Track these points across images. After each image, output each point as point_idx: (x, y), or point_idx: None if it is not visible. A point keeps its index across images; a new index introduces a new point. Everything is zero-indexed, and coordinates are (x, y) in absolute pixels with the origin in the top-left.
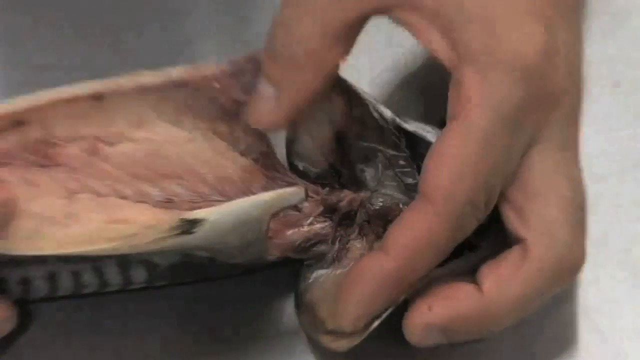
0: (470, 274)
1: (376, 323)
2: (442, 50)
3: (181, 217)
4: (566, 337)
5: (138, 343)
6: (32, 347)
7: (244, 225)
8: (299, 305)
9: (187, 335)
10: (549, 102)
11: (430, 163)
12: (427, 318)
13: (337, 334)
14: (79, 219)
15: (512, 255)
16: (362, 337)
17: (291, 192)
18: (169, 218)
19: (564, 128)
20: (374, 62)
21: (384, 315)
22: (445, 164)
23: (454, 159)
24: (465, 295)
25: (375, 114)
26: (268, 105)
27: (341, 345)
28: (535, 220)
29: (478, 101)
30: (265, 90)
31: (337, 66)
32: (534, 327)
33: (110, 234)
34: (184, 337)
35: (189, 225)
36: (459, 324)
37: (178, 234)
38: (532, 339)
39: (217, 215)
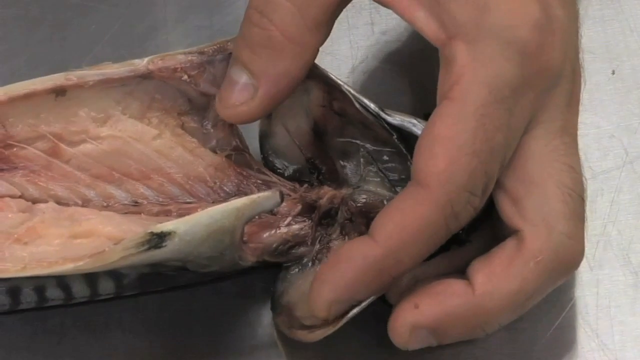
0: (460, 272)
1: (352, 313)
2: (428, 27)
3: (148, 231)
4: (564, 342)
5: (105, 356)
6: None
7: (216, 234)
8: (276, 308)
9: (156, 349)
10: (546, 83)
11: (423, 147)
12: (414, 317)
13: (312, 327)
14: (41, 235)
15: (506, 248)
16: (336, 328)
17: (265, 197)
18: (135, 229)
19: (563, 112)
20: (355, 50)
21: (362, 306)
22: (440, 147)
23: (449, 141)
24: (455, 292)
25: (358, 107)
26: (242, 95)
27: (316, 335)
28: (531, 210)
29: (470, 78)
30: (239, 78)
31: (316, 52)
32: (531, 332)
33: (75, 251)
34: (152, 350)
35: (158, 240)
36: (449, 323)
37: (147, 249)
38: (530, 343)
39: (186, 226)
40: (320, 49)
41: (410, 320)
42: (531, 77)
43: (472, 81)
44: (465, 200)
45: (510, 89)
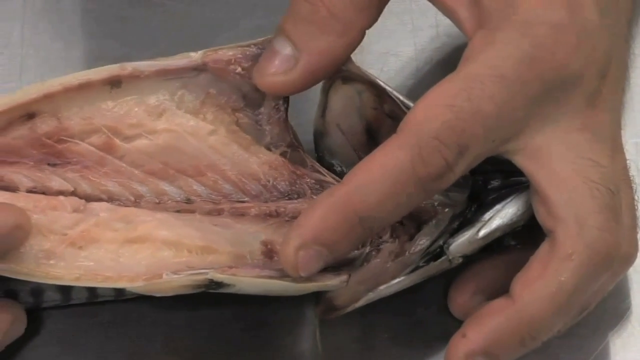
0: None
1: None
2: (466, 19)
3: (209, 277)
4: (624, 349)
5: (152, 351)
6: (37, 353)
7: (276, 293)
8: (319, 301)
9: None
10: (558, 80)
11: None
12: (464, 347)
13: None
14: (96, 239)
15: (540, 252)
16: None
17: (332, 285)
18: (190, 234)
19: (581, 111)
20: (420, 52)
21: (371, 297)
22: (421, 101)
23: (433, 95)
24: (495, 309)
25: (405, 110)
26: (282, 66)
27: (333, 315)
28: (561, 208)
29: (475, 56)
30: (281, 48)
31: (361, 34)
32: (590, 339)
33: (131, 259)
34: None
35: (215, 286)
36: (498, 341)
37: (202, 290)
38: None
39: (247, 285)
40: (385, 49)
41: (462, 350)
42: (540, 71)
43: (476, 58)
44: (435, 148)
45: (514, 73)
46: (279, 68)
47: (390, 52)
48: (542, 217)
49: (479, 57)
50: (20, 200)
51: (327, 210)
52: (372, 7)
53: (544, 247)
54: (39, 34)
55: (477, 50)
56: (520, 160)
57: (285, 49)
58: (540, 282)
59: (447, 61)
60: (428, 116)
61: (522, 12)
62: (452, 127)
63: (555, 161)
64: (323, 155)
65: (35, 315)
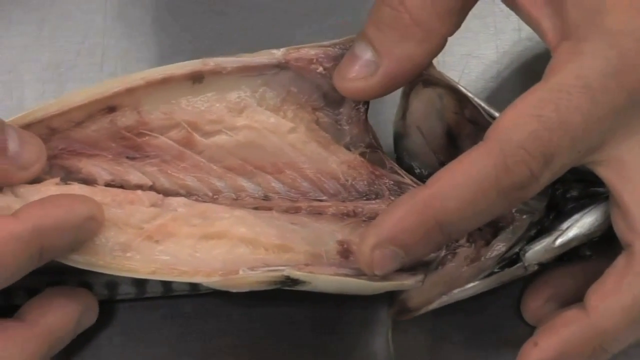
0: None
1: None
2: (549, 29)
3: (285, 274)
4: None
5: (225, 344)
6: (112, 345)
7: (351, 292)
8: (393, 304)
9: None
10: None
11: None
12: (536, 356)
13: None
14: (173, 234)
15: (617, 264)
16: (420, 312)
17: (409, 285)
18: (268, 231)
19: None
20: (501, 55)
21: (442, 301)
22: (509, 109)
23: (519, 104)
24: (569, 319)
25: (487, 118)
26: (362, 70)
27: (406, 317)
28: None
29: (561, 67)
30: (362, 53)
31: (443, 41)
32: None
33: (208, 254)
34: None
35: (291, 283)
36: (570, 351)
37: (277, 286)
38: None
39: (323, 283)
40: (467, 51)
41: (533, 358)
42: (626, 82)
43: (562, 68)
44: (520, 157)
45: (601, 84)
46: (359, 73)
47: (472, 54)
48: (620, 229)
49: (566, 67)
50: (98, 194)
51: (406, 212)
52: (454, 14)
53: (620, 260)
54: (120, 25)
55: (564, 60)
56: (603, 172)
57: (366, 54)
58: (615, 296)
59: (529, 66)
60: (515, 125)
61: (608, 23)
62: (539, 138)
63: (636, 176)
64: (402, 157)
65: (108, 307)
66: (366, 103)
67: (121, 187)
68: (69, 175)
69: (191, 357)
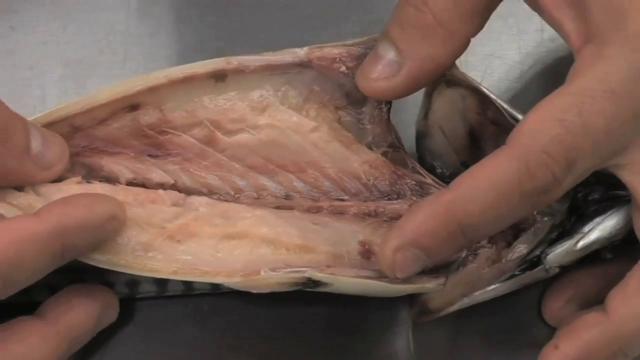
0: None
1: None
2: (572, 31)
3: (307, 275)
4: None
5: (241, 341)
6: (130, 343)
7: (373, 293)
8: (413, 304)
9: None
10: None
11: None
12: (556, 359)
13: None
14: (195, 233)
15: (638, 269)
16: (441, 314)
17: (430, 288)
18: (290, 231)
19: None
20: (524, 56)
21: (464, 303)
22: (532, 113)
23: (541, 109)
24: (590, 323)
25: (510, 119)
26: (385, 70)
27: (427, 318)
28: None
29: (584, 70)
30: (385, 53)
31: (466, 42)
32: None
33: (229, 254)
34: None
35: (313, 284)
36: (590, 355)
37: (298, 288)
38: None
39: (344, 284)
40: (489, 52)
41: None
42: None
43: (585, 72)
44: (543, 161)
45: (624, 89)
46: (382, 73)
47: (495, 54)
48: None
49: (589, 71)
50: (120, 193)
51: (428, 215)
52: (477, 15)
53: None
54: (143, 22)
55: (587, 64)
56: (625, 175)
57: (389, 54)
58: (637, 299)
59: (552, 67)
60: (538, 129)
61: (632, 27)
62: (562, 142)
63: None
64: (424, 157)
65: (127, 305)
66: (388, 102)
67: (143, 185)
68: (91, 173)
69: (210, 355)
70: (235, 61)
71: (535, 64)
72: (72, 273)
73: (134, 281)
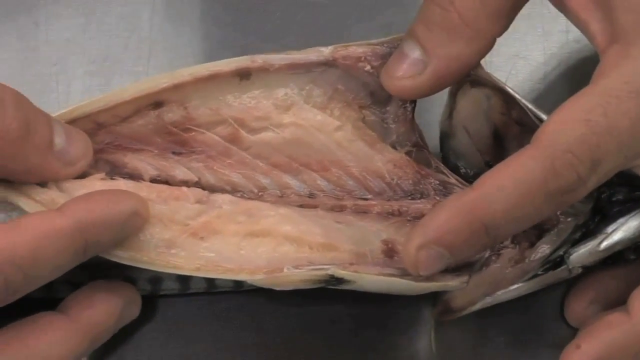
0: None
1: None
2: (597, 32)
3: (330, 272)
4: None
5: (262, 343)
6: (151, 339)
7: (396, 291)
8: (436, 303)
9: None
10: None
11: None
12: (578, 358)
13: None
14: (218, 231)
15: None
16: (464, 313)
17: (453, 286)
18: (313, 230)
19: None
20: (548, 57)
21: (485, 303)
22: (557, 113)
23: (567, 108)
24: (612, 323)
25: (535, 120)
26: (410, 69)
27: (449, 317)
28: None
29: (610, 71)
30: (411, 52)
31: (492, 42)
32: None
33: (252, 251)
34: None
35: (336, 282)
36: (611, 355)
37: (322, 285)
38: None
39: (368, 282)
40: (514, 52)
41: None
42: None
43: (610, 72)
44: (568, 162)
45: None
46: (407, 72)
47: (520, 55)
48: None
49: (614, 71)
50: (143, 190)
51: (452, 214)
52: (503, 15)
53: None
54: (168, 19)
55: (612, 64)
56: None
57: (414, 53)
58: None
59: (577, 68)
60: (563, 130)
61: None
62: (587, 142)
63: None
64: (448, 157)
65: (150, 301)
66: (413, 102)
67: (166, 182)
68: (114, 170)
69: (230, 352)
70: (259, 59)
71: (560, 65)
72: (95, 269)
73: (156, 278)
